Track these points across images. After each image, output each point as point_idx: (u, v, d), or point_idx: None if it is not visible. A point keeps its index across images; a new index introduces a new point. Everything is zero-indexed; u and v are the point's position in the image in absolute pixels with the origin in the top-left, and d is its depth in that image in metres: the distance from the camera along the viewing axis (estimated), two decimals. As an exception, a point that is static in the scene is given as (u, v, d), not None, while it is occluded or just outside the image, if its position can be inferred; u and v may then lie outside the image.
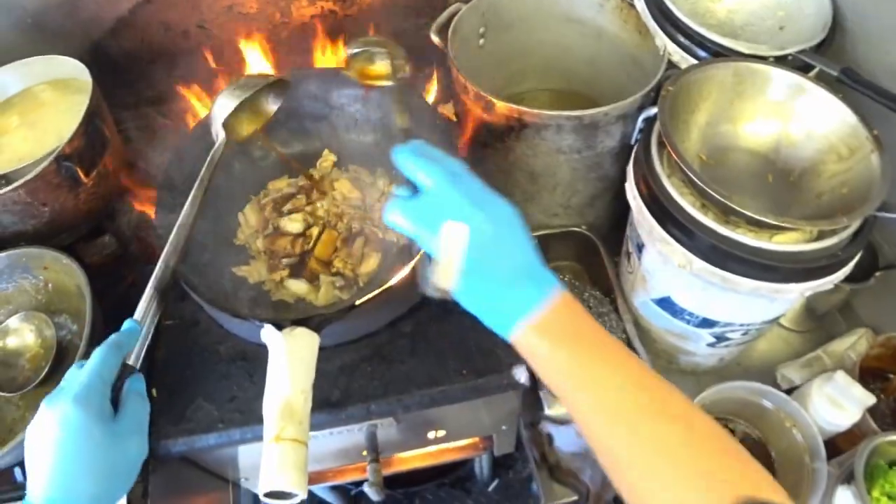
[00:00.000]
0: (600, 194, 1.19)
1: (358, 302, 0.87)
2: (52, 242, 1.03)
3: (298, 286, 1.02)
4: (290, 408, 0.76)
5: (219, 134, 0.98)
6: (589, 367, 0.58)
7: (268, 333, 0.81)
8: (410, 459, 1.27)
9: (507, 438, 1.20)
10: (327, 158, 1.15)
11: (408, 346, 0.98)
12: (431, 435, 1.11)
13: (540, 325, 0.60)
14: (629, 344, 1.12)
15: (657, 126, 1.03)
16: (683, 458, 0.53)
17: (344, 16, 1.20)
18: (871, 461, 0.89)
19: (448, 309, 1.00)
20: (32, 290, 1.03)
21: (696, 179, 0.92)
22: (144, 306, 0.80)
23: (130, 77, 1.10)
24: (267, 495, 0.72)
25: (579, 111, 1.03)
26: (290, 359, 0.78)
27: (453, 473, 1.66)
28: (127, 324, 0.77)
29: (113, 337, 0.74)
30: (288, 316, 0.92)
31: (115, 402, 0.71)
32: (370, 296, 0.87)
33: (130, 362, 0.76)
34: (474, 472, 1.60)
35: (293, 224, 1.07)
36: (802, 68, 1.06)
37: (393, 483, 1.67)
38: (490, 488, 1.67)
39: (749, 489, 0.50)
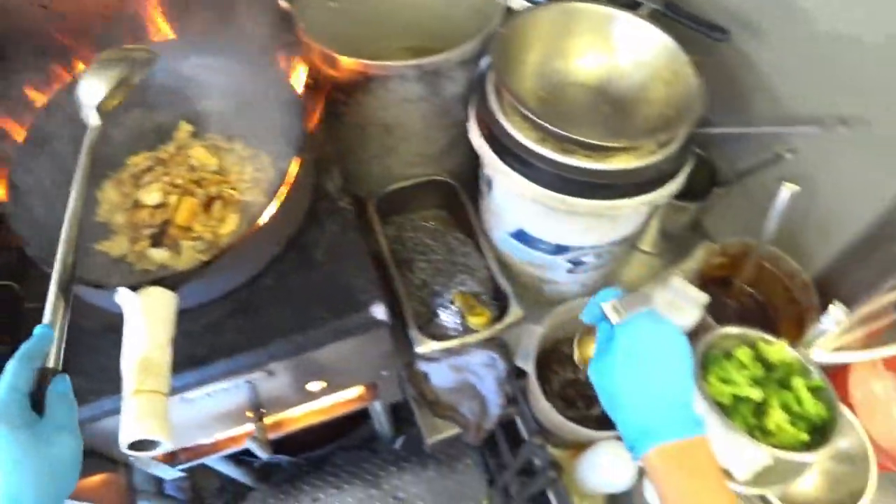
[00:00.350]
0: (455, 141, 1.24)
1: (209, 257, 0.90)
2: None
3: (160, 254, 1.03)
4: (148, 362, 0.78)
5: (90, 118, 0.96)
6: None
7: (122, 295, 0.81)
8: (300, 418, 1.30)
9: (390, 385, 1.24)
10: (183, 129, 1.16)
11: (270, 298, 1.00)
12: (313, 387, 1.15)
13: (671, 457, 0.64)
14: (494, 280, 1.18)
15: (493, 68, 1.08)
16: None
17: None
18: (708, 352, 0.97)
19: (307, 260, 1.04)
20: None
21: (527, 113, 0.98)
22: (51, 308, 0.78)
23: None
24: (130, 447, 0.74)
25: (418, 60, 1.07)
26: (147, 317, 0.80)
27: (355, 434, 1.69)
28: (38, 330, 0.76)
29: (23, 347, 0.73)
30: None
31: (41, 406, 0.70)
32: (222, 249, 0.89)
33: (51, 365, 0.75)
34: (376, 431, 1.64)
35: (152, 195, 1.08)
36: (630, 6, 1.13)
37: (295, 450, 1.69)
38: (396, 445, 1.71)
39: None
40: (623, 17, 1.11)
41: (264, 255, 1.02)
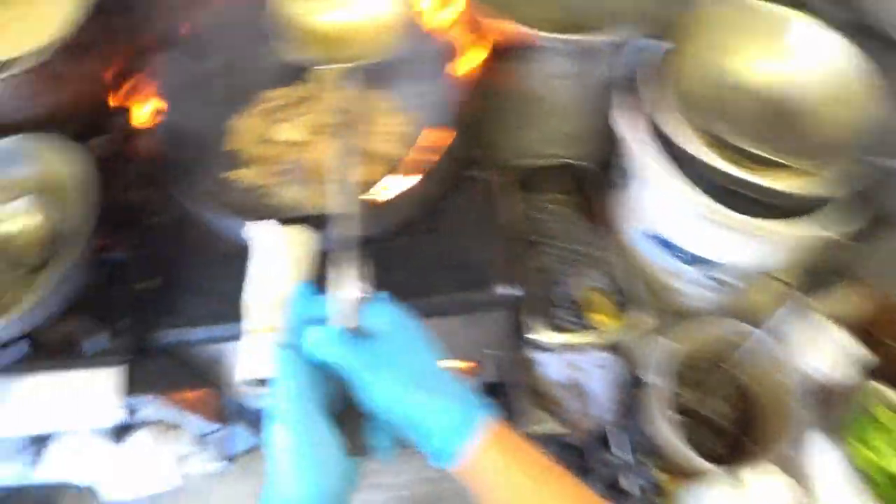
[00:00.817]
0: (598, 125, 1.18)
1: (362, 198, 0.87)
2: (58, 130, 1.04)
3: (296, 190, 1.03)
4: (283, 302, 0.73)
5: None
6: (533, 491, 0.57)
7: (261, 228, 0.79)
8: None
9: (490, 365, 1.21)
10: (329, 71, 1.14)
11: (399, 259, 0.98)
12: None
13: (474, 456, 0.57)
14: (619, 278, 1.13)
15: (658, 58, 1.03)
16: None
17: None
18: (855, 411, 0.90)
19: (440, 226, 1.02)
20: (33, 177, 1.04)
21: (692, 113, 0.92)
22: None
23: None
24: (245, 382, 0.71)
25: (575, 35, 1.03)
26: (285, 254, 0.77)
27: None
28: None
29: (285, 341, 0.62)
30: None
31: None
32: (371, 196, 0.88)
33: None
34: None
35: (288, 132, 1.08)
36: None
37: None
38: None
39: None
40: (804, 23, 1.03)
41: (401, 215, 1.00)
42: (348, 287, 0.62)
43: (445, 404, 0.58)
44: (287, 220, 0.85)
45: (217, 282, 0.99)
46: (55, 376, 0.98)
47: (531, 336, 1.06)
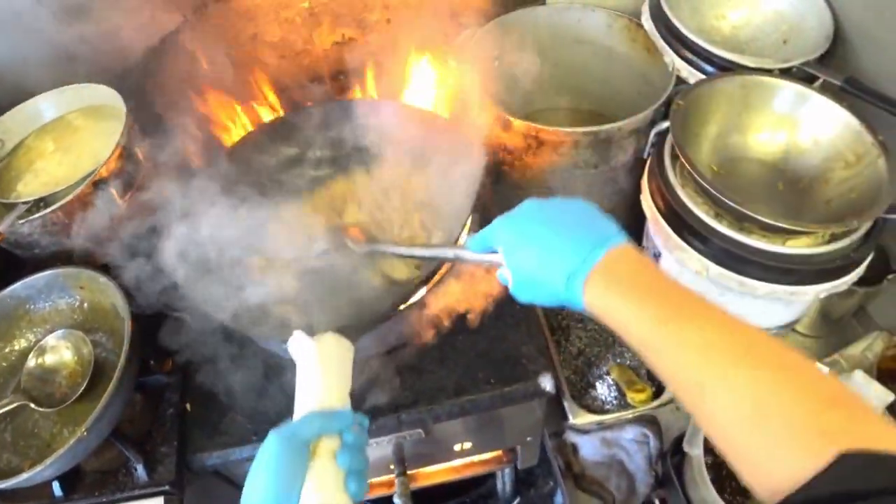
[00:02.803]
0: (615, 208, 1.22)
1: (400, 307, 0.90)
2: (89, 262, 1.07)
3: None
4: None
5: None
6: (668, 319, 0.53)
7: (297, 340, 0.77)
8: (435, 474, 1.28)
9: (531, 450, 1.21)
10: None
11: (436, 357, 1.00)
12: (457, 447, 1.13)
13: (604, 277, 0.57)
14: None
15: (669, 139, 1.07)
16: (774, 408, 0.46)
17: (364, 42, 1.25)
18: None
19: (472, 322, 1.04)
20: (68, 310, 1.06)
21: (710, 188, 0.95)
22: None
23: (160, 103, 1.14)
24: None
25: (595, 127, 1.07)
26: (323, 364, 0.74)
27: (475, 491, 1.66)
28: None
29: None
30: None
31: None
32: (409, 303, 0.90)
33: None
34: (496, 489, 1.60)
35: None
36: (807, 80, 1.10)
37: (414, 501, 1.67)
38: (511, 505, 1.67)
39: (855, 440, 0.42)
40: (803, 93, 1.07)
41: (436, 317, 1.02)
42: None
43: (557, 261, 0.59)
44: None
45: (257, 399, 1.00)
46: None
47: (574, 421, 1.06)
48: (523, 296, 0.65)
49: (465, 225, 0.96)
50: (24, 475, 0.85)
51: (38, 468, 0.85)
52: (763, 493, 0.47)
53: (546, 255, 0.60)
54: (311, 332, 0.76)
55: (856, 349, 1.19)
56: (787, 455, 0.44)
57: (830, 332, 1.29)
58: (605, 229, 0.61)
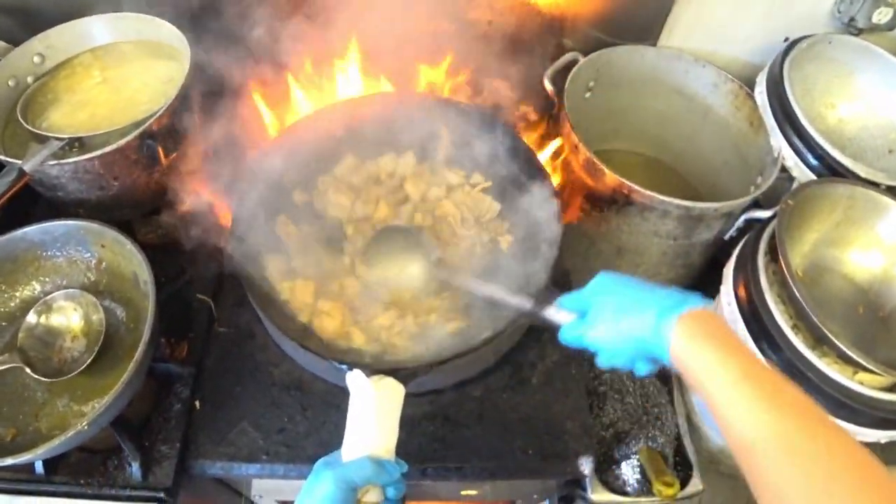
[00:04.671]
0: (678, 280, 1.16)
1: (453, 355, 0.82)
2: (112, 216, 0.96)
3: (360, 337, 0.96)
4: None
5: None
6: (748, 376, 0.56)
7: (354, 379, 0.73)
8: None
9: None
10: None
11: (475, 412, 0.93)
12: (464, 493, 1.07)
13: (691, 325, 0.60)
14: (678, 437, 1.10)
15: (767, 234, 1.00)
16: (837, 491, 0.48)
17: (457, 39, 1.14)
18: None
19: (520, 380, 0.96)
20: (84, 266, 0.95)
21: (800, 299, 0.89)
22: None
23: (224, 56, 1.02)
24: None
25: (691, 202, 0.99)
26: (378, 411, 0.71)
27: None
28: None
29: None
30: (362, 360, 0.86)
31: None
32: (466, 350, 0.82)
33: None
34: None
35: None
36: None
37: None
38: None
39: None
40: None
41: (477, 363, 0.94)
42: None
43: (649, 304, 0.64)
44: (376, 371, 0.78)
45: (274, 413, 0.92)
46: (73, 504, 0.87)
47: (593, 497, 1.01)
48: (608, 346, 0.67)
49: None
50: (8, 460, 0.75)
51: (27, 456, 0.76)
52: None
53: (637, 305, 0.65)
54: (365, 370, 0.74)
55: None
56: None
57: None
58: (686, 294, 0.65)
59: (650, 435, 1.07)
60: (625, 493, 1.03)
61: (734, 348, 0.58)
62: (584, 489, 1.03)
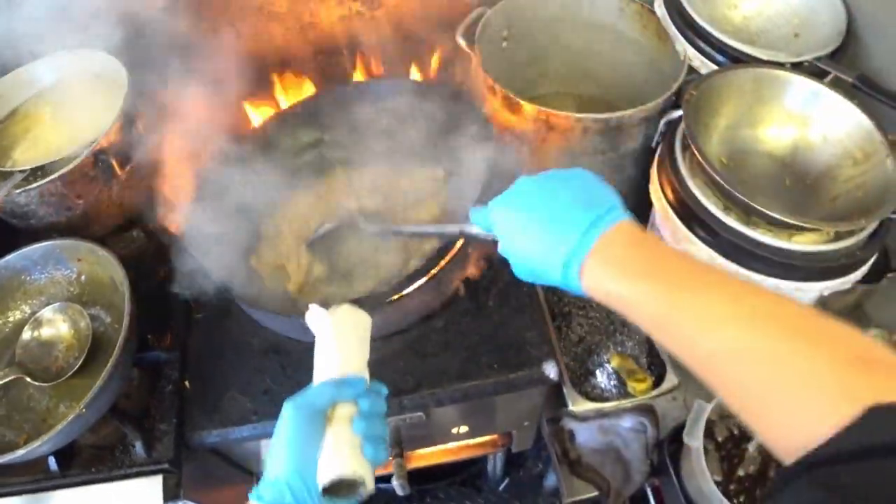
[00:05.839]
0: (621, 196, 1.22)
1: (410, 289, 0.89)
2: (84, 234, 1.04)
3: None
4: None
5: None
6: (673, 293, 0.52)
7: (313, 313, 0.74)
8: (430, 456, 1.28)
9: (526, 435, 1.22)
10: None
11: (441, 341, 1.00)
12: (454, 430, 1.13)
13: (601, 261, 0.55)
14: (648, 339, 1.15)
15: (680, 129, 1.06)
16: (793, 368, 0.46)
17: (371, 17, 1.22)
18: None
19: (479, 304, 1.03)
20: (65, 282, 1.04)
21: (720, 181, 0.95)
22: None
23: (159, 73, 1.11)
24: (327, 490, 0.62)
25: (606, 114, 1.06)
26: (338, 336, 0.71)
27: (465, 471, 1.67)
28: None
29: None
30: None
31: None
32: (421, 282, 0.89)
33: None
34: (486, 470, 1.61)
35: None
36: (818, 75, 1.09)
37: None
38: (501, 487, 1.68)
39: (882, 396, 0.41)
40: (815, 89, 1.06)
41: (438, 295, 1.01)
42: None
43: (555, 242, 0.58)
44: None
45: (257, 378, 0.99)
46: (89, 491, 0.96)
47: (573, 408, 1.07)
48: (524, 277, 0.64)
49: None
50: (20, 451, 0.84)
51: (35, 444, 0.84)
52: (784, 452, 0.47)
53: (540, 244, 0.59)
54: (326, 306, 0.75)
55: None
56: (809, 413, 0.44)
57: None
58: (602, 203, 0.59)
59: (618, 341, 1.13)
60: (604, 400, 1.09)
61: (649, 268, 0.54)
62: (566, 404, 1.09)
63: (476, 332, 1.00)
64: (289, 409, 0.63)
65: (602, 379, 1.10)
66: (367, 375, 0.70)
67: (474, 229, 0.71)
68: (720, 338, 0.50)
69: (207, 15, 1.16)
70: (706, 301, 0.51)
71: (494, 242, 0.67)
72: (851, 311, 1.29)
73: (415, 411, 0.98)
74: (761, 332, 0.48)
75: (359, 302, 0.77)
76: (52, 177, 0.98)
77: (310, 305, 0.75)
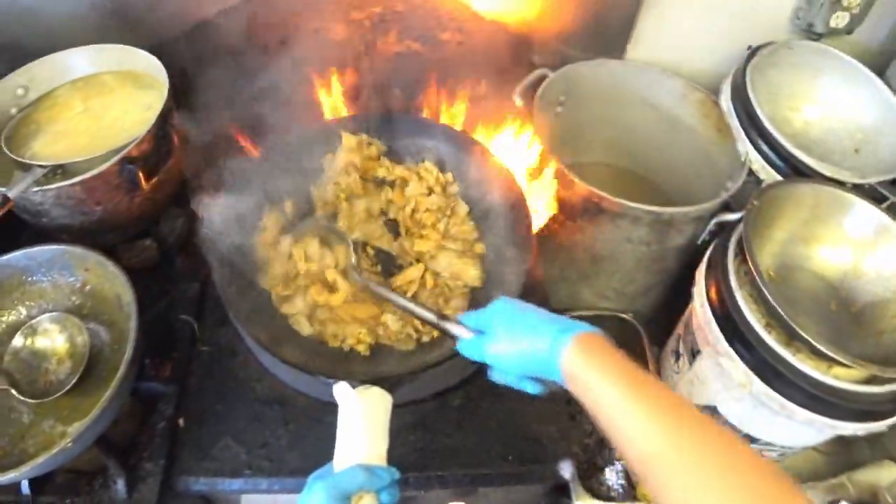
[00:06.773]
0: (655, 285, 1.18)
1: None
2: (96, 241, 0.98)
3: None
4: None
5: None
6: (636, 394, 0.59)
7: (341, 391, 0.74)
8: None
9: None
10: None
11: (454, 420, 0.94)
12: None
13: (582, 346, 0.63)
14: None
15: (735, 235, 1.02)
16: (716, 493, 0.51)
17: (428, 59, 1.17)
18: None
19: (500, 388, 0.98)
20: (68, 290, 0.97)
21: (770, 298, 0.91)
22: None
23: (198, 83, 1.05)
24: None
25: (660, 208, 1.02)
26: (367, 419, 0.72)
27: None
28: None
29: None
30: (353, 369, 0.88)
31: None
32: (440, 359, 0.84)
33: None
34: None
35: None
36: (877, 199, 1.06)
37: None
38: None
39: None
40: (877, 218, 1.02)
41: (459, 371, 0.96)
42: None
43: (544, 331, 0.67)
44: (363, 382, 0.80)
45: (256, 428, 0.93)
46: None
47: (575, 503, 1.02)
48: (504, 363, 0.70)
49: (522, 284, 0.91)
50: (-4, 479, 0.77)
51: (12, 474, 0.77)
52: None
53: (534, 328, 0.68)
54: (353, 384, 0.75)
55: (864, 475, 1.17)
56: None
57: (840, 451, 1.27)
58: (576, 322, 0.69)
59: (632, 439, 1.08)
60: (610, 499, 1.04)
61: (624, 367, 0.61)
62: (569, 496, 1.04)
63: (493, 417, 0.95)
64: (320, 489, 0.64)
65: (610, 476, 1.05)
66: (385, 462, 0.71)
67: (452, 326, 0.75)
68: (669, 445, 0.55)
69: (259, 29, 1.10)
70: (670, 409, 0.58)
71: (454, 339, 0.75)
72: (868, 438, 1.27)
73: (418, 489, 0.93)
74: (708, 461, 0.54)
75: (383, 380, 0.76)
76: (74, 180, 0.92)
77: (339, 382, 0.74)
